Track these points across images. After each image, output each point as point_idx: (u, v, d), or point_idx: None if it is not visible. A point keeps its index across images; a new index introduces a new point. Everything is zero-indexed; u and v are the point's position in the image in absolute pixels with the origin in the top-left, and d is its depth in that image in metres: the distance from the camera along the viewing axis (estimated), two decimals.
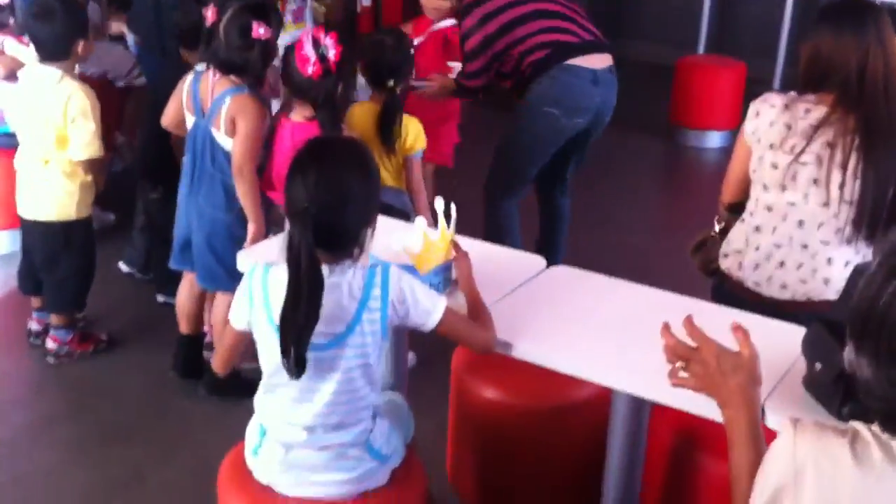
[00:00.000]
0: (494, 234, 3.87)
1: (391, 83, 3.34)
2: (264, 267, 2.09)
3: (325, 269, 1.97)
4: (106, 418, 3.39)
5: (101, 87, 4.38)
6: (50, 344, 3.64)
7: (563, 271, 2.60)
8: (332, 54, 3.00)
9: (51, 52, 3.39)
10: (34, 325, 3.76)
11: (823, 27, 2.55)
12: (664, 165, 6.34)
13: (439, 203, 2.35)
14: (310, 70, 3.00)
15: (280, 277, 2.00)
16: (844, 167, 2.47)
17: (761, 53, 7.33)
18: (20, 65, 3.71)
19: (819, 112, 2.51)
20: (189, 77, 3.26)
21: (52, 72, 3.38)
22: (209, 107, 3.16)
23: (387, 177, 3.35)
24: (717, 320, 1.76)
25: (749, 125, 2.62)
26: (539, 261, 2.60)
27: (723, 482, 2.21)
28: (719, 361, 1.65)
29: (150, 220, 4.11)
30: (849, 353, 1.40)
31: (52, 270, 3.56)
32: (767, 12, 7.46)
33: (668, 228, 5.26)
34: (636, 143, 6.32)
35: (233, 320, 2.16)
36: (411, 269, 2.25)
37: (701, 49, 7.56)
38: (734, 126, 6.34)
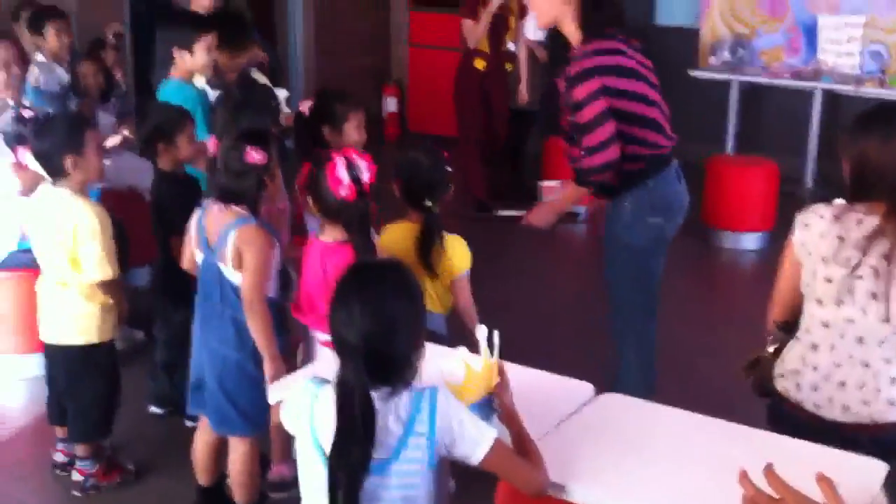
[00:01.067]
0: (636, 365, 3.66)
1: (428, 203, 3.23)
2: (316, 386, 2.02)
3: (373, 393, 1.92)
4: None
5: (129, 200, 4.38)
6: (75, 476, 3.52)
7: (612, 399, 2.49)
8: (366, 176, 2.94)
9: (48, 170, 3.34)
10: (59, 457, 3.65)
11: (868, 134, 2.47)
12: (700, 267, 6.22)
13: (481, 330, 2.25)
14: (343, 193, 2.92)
15: (328, 405, 1.94)
16: None
17: (790, 150, 7.29)
18: (42, 179, 3.67)
19: (871, 222, 2.42)
20: (196, 213, 3.20)
21: (61, 191, 3.33)
22: (215, 241, 3.08)
23: (429, 302, 3.20)
24: (782, 451, 1.63)
25: (798, 237, 2.53)
26: (587, 387, 2.48)
27: None
28: None
29: (176, 341, 3.99)
30: None
31: (75, 397, 3.47)
32: (794, 107, 7.45)
33: (710, 331, 5.14)
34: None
35: (285, 421, 2.10)
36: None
37: (729, 146, 7.53)
38: (769, 227, 6.26)
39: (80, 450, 3.52)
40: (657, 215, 3.52)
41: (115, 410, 3.57)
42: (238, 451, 3.23)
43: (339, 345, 1.95)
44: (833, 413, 2.49)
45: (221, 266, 3.08)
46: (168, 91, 4.18)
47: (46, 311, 3.46)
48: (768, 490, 1.57)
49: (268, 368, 3.04)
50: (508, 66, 6.70)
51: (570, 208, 3.71)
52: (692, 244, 6.21)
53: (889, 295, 2.39)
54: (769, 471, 1.57)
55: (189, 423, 3.92)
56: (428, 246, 3.19)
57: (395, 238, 3.27)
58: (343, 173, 2.92)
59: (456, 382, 2.21)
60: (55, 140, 3.31)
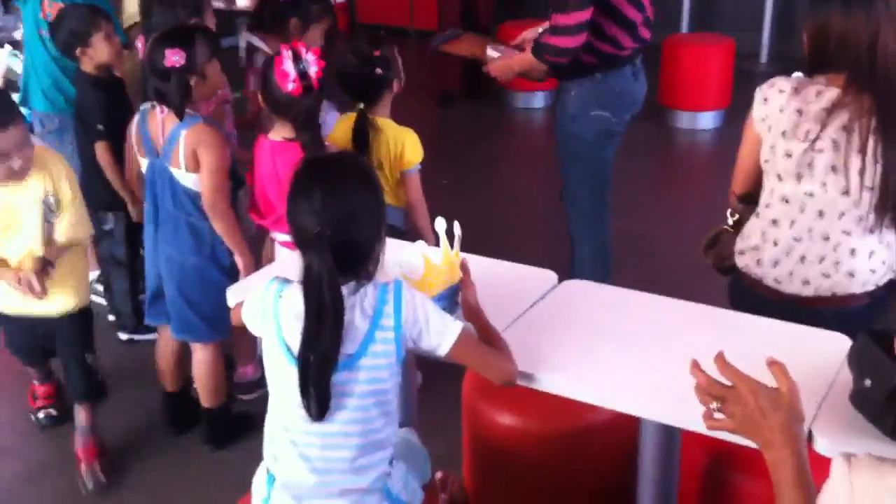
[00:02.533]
0: (591, 254, 3.72)
1: (360, 105, 3.19)
2: (279, 285, 1.98)
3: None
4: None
5: None
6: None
7: (576, 285, 2.46)
8: (313, 71, 2.86)
9: None
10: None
11: (830, 5, 2.41)
12: (658, 149, 6.21)
13: (440, 222, 2.22)
14: (290, 87, 2.85)
15: (293, 302, 1.91)
16: (863, 151, 2.35)
17: (746, 27, 7.23)
18: None
19: (831, 94, 2.39)
20: (135, 119, 3.10)
21: None
22: (163, 144, 2.98)
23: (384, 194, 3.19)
24: (745, 329, 1.62)
25: (757, 112, 2.50)
26: (550, 275, 2.46)
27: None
28: (758, 400, 1.51)
29: (112, 260, 3.89)
30: None
31: (77, 359, 3.21)
32: None
33: (671, 213, 5.16)
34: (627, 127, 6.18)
35: (247, 322, 2.07)
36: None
37: (685, 27, 7.44)
38: (726, 105, 6.23)
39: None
40: (604, 109, 3.52)
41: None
42: (202, 356, 3.21)
43: (301, 236, 1.91)
44: (793, 287, 2.49)
45: (173, 170, 2.98)
46: None
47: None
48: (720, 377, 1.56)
49: (240, 263, 3.05)
50: None
51: (525, 71, 3.61)
52: (650, 126, 6.18)
53: (848, 167, 2.37)
54: (720, 358, 1.56)
55: (123, 337, 3.94)
56: (359, 143, 3.16)
57: (340, 131, 3.22)
58: (290, 67, 2.84)
59: (415, 277, 2.18)
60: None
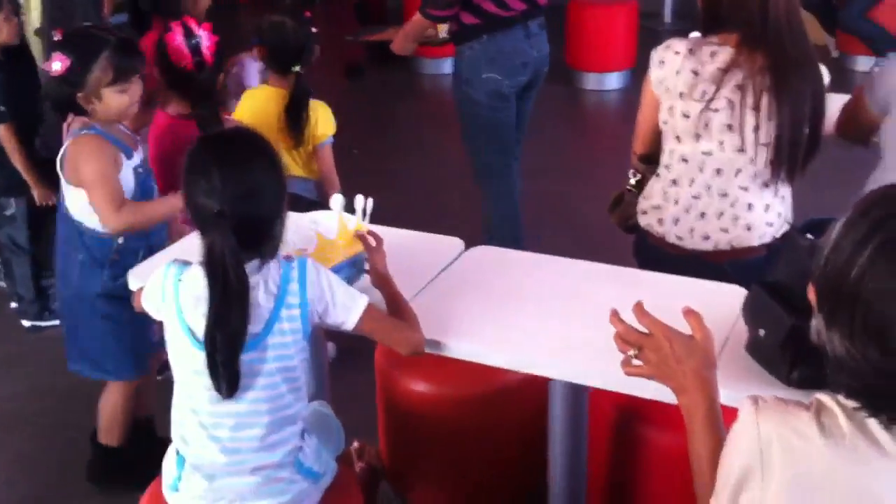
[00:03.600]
0: (497, 218, 3.78)
1: (297, 68, 3.14)
2: (178, 268, 1.96)
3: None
4: None
5: None
6: None
7: (483, 251, 2.49)
8: (205, 46, 2.82)
9: None
10: None
11: None
12: (565, 111, 6.26)
13: (337, 199, 2.25)
14: (182, 63, 2.82)
15: (194, 285, 1.89)
16: (757, 108, 2.41)
17: None
18: None
19: (725, 54, 2.43)
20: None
21: None
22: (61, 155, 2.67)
23: (294, 166, 3.17)
24: (648, 286, 1.65)
25: (654, 74, 2.53)
26: (457, 242, 2.48)
27: (669, 454, 2.17)
28: (673, 347, 1.56)
29: (13, 245, 3.78)
30: (817, 324, 1.34)
31: None
32: None
33: (580, 173, 5.21)
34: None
35: (147, 308, 2.04)
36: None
37: None
38: (631, 65, 6.31)
39: None
40: (493, 71, 3.57)
41: None
42: (111, 396, 2.89)
43: (200, 215, 1.87)
44: (694, 243, 2.55)
45: (63, 187, 2.69)
46: None
47: None
48: (638, 326, 1.60)
49: (170, 205, 2.66)
50: None
51: (426, 34, 3.73)
52: (557, 89, 6.22)
53: (743, 125, 2.42)
54: (638, 307, 1.60)
55: (27, 324, 3.82)
56: (298, 112, 3.12)
57: (258, 103, 3.17)
58: (182, 42, 2.80)
59: (331, 238, 2.19)
60: None
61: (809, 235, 1.80)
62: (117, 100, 2.57)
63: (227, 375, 1.87)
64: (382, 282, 2.14)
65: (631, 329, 1.60)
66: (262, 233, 1.90)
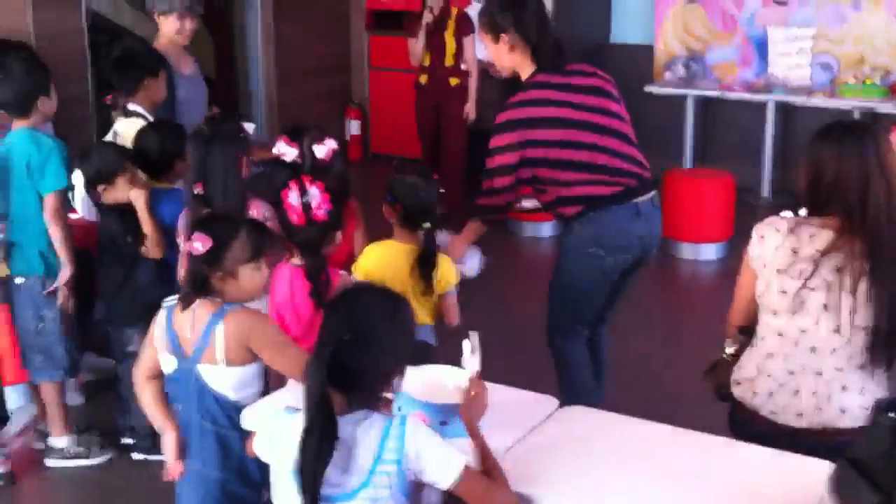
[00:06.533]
0: (562, 373, 3.78)
1: (427, 225, 3.27)
2: (288, 414, 2.07)
3: (345, 418, 1.97)
4: None
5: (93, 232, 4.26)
6: None
7: (576, 412, 2.54)
8: (315, 204, 2.98)
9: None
10: None
11: (826, 147, 2.52)
12: (660, 279, 6.32)
13: (471, 340, 2.34)
14: (294, 218, 2.99)
15: (297, 425, 1.99)
16: (854, 292, 2.44)
17: (746, 161, 7.43)
18: None
19: (825, 236, 2.48)
20: (162, 314, 2.72)
21: None
22: (196, 341, 2.62)
23: (423, 315, 3.27)
24: (737, 457, 1.69)
25: (754, 249, 2.60)
26: (551, 401, 2.54)
27: None
28: None
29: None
30: None
31: None
32: (748, 119, 7.58)
33: (670, 340, 5.22)
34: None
35: (258, 453, 2.14)
36: (442, 411, 2.19)
37: (686, 159, 7.65)
38: (727, 237, 6.37)
39: None
40: (597, 247, 3.55)
41: None
42: None
43: (315, 348, 2.00)
44: (787, 419, 2.55)
45: (202, 370, 2.63)
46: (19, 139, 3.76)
47: None
48: None
49: None
50: (453, 81, 6.81)
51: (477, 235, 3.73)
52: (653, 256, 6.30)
53: (840, 307, 2.46)
54: None
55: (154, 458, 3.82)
56: (428, 266, 3.24)
57: (384, 258, 3.29)
58: (295, 199, 2.98)
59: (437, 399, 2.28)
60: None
61: (892, 414, 1.82)
62: (252, 277, 2.66)
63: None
64: (473, 434, 2.19)
65: None
66: (358, 380, 2.00)
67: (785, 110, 7.43)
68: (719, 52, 7.62)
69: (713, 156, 7.72)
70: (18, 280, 3.76)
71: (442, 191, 3.39)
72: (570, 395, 3.50)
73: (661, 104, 7.64)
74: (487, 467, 2.13)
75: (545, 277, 3.85)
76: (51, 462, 3.91)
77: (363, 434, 1.98)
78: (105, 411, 4.19)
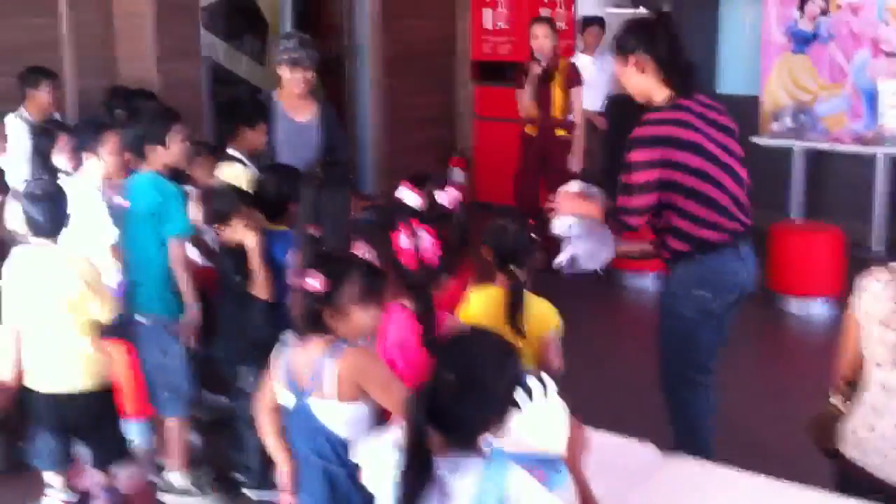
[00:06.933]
0: (683, 430, 3.71)
1: (512, 268, 3.30)
2: (394, 447, 2.11)
3: (442, 462, 2.00)
4: None
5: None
6: None
7: (681, 463, 2.54)
8: (424, 247, 3.03)
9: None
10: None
11: None
12: (766, 334, 6.21)
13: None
14: (404, 262, 3.03)
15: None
16: None
17: (856, 215, 7.28)
18: None
19: None
20: (280, 349, 2.78)
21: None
22: (309, 379, 2.67)
23: (523, 358, 3.30)
24: None
25: (856, 301, 2.60)
26: (652, 451, 2.55)
27: None
28: None
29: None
30: None
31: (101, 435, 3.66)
32: (858, 172, 7.45)
33: (770, 393, 5.13)
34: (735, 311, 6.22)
35: (367, 485, 2.20)
36: (542, 462, 2.21)
37: (794, 212, 7.54)
38: (836, 293, 6.21)
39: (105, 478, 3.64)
40: (705, 289, 3.53)
41: None
42: None
43: (418, 388, 2.05)
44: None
45: (314, 405, 2.68)
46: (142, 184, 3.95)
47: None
48: None
49: None
50: (559, 133, 6.88)
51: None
52: (758, 310, 6.21)
53: None
54: None
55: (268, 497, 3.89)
56: (512, 308, 3.26)
57: (484, 303, 3.33)
58: (405, 243, 3.03)
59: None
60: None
61: None
62: (363, 317, 2.70)
63: None
64: (578, 479, 2.20)
65: None
66: (458, 424, 2.03)
67: (895, 163, 7.28)
68: (828, 104, 7.54)
69: (820, 208, 7.60)
70: (141, 318, 3.92)
71: (535, 236, 3.40)
72: (686, 445, 3.46)
73: (767, 155, 7.55)
74: None
75: (650, 329, 3.84)
76: (166, 497, 4.03)
77: (461, 477, 2.01)
78: (218, 449, 4.29)
